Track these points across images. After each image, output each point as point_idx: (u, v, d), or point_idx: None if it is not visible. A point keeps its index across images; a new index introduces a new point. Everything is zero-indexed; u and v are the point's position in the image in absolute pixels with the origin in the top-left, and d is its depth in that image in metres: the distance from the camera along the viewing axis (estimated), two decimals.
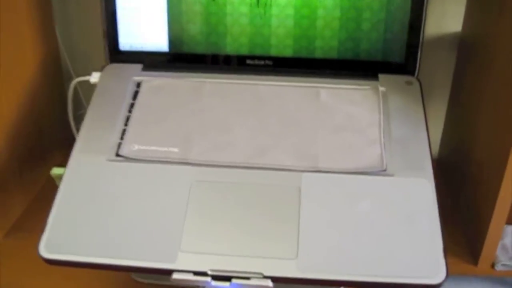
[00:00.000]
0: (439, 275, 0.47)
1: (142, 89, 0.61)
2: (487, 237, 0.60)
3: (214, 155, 0.55)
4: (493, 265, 0.62)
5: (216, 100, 0.60)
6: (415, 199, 0.51)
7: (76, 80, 0.66)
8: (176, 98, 0.60)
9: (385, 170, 0.53)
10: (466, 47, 0.69)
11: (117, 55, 0.65)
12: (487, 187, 0.60)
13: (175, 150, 0.55)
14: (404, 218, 0.50)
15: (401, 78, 0.62)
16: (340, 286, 0.48)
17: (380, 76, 0.62)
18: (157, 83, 0.62)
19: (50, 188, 0.57)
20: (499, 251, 0.62)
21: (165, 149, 0.55)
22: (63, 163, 0.56)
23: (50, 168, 0.63)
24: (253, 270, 0.48)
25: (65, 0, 0.76)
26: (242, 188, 0.53)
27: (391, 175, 0.53)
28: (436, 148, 0.78)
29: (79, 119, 0.62)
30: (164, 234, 0.50)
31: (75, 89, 0.68)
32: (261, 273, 0.48)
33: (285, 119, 0.58)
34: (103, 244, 0.50)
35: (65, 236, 0.50)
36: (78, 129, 0.59)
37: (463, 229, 0.67)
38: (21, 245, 0.64)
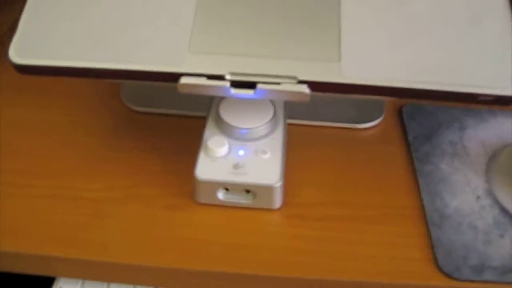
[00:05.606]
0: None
1: None
2: None
3: None
4: None
5: None
6: None
7: None
8: None
9: None
10: None
11: None
12: None
13: None
14: (468, 18, 0.40)
15: None
16: (393, 95, 0.38)
17: None
18: None
19: None
20: None
21: None
22: None
23: None
24: (285, 73, 0.38)
25: None
26: None
27: None
28: None
29: None
30: (168, 30, 0.40)
31: None
32: (295, 77, 0.38)
33: None
34: (91, 43, 0.39)
35: (40, 35, 0.39)
36: None
37: None
38: None
